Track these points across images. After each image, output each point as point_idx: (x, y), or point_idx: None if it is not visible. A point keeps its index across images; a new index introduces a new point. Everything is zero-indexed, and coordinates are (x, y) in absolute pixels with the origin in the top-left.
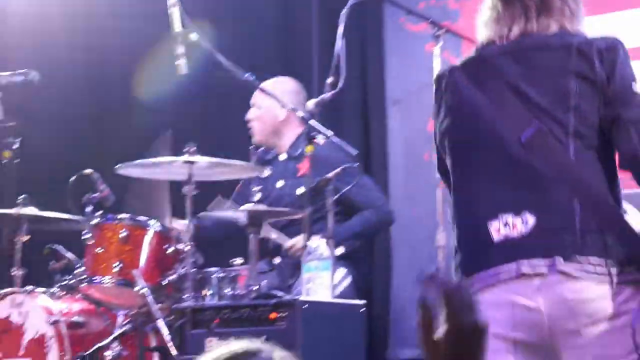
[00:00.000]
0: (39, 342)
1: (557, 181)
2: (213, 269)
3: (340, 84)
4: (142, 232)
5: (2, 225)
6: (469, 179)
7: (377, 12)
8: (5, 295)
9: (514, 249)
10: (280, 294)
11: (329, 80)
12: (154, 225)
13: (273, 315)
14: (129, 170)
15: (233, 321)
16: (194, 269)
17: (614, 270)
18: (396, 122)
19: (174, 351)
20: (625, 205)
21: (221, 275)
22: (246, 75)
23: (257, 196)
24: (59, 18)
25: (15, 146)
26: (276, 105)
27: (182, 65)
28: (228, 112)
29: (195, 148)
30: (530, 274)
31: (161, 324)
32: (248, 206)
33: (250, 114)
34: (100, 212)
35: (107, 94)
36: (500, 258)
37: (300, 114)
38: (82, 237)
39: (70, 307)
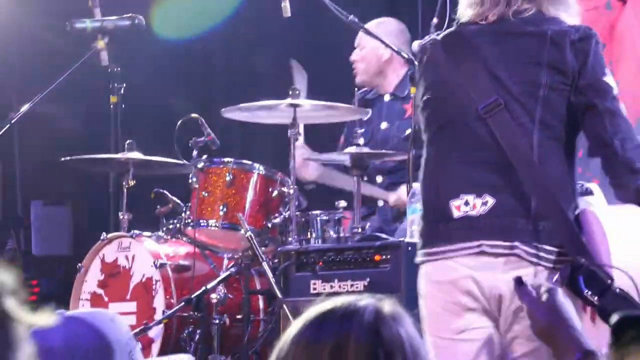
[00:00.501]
0: (146, 286)
1: (518, 167)
2: (317, 211)
3: (445, 25)
4: (247, 175)
5: (109, 170)
6: (436, 154)
7: None
8: (113, 239)
9: (474, 227)
10: (384, 236)
11: (434, 21)
12: (259, 169)
13: (377, 258)
14: (234, 114)
15: (337, 263)
16: (298, 212)
17: (558, 256)
18: None
19: (278, 294)
20: (593, 186)
21: (325, 218)
22: (350, 17)
23: (361, 139)
24: None
25: (120, 91)
26: (380, 46)
27: (287, 7)
28: (332, 54)
29: (299, 91)
30: (488, 253)
31: (266, 266)
32: (352, 149)
33: (354, 55)
34: (206, 156)
35: (211, 38)
36: (460, 234)
37: (405, 54)
38: (188, 181)
39: (176, 250)
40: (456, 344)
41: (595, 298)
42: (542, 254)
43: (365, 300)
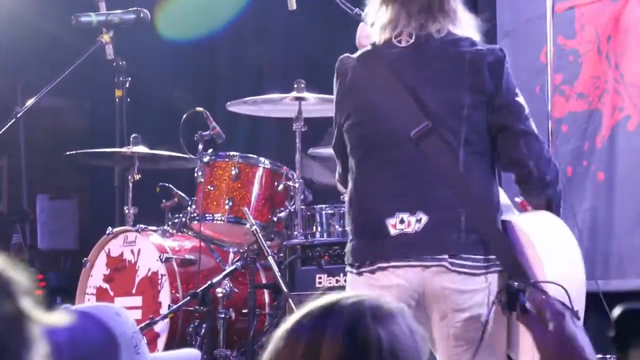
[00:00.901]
0: (152, 280)
1: (447, 184)
2: (322, 205)
3: None
4: (253, 169)
5: (114, 164)
6: (368, 175)
7: None
8: (118, 233)
9: (411, 244)
10: None
11: None
12: (265, 163)
13: None
14: (239, 107)
15: (342, 257)
16: (304, 206)
17: (486, 265)
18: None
19: (284, 288)
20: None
21: (330, 211)
22: (355, 10)
23: None
24: None
25: (126, 85)
26: None
27: (292, 0)
28: (337, 47)
29: (304, 84)
30: (419, 265)
31: (271, 260)
32: None
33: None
34: (211, 150)
35: (217, 32)
36: (396, 249)
37: None
38: (193, 175)
39: (181, 244)
40: None
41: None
42: (468, 262)
43: (354, 298)
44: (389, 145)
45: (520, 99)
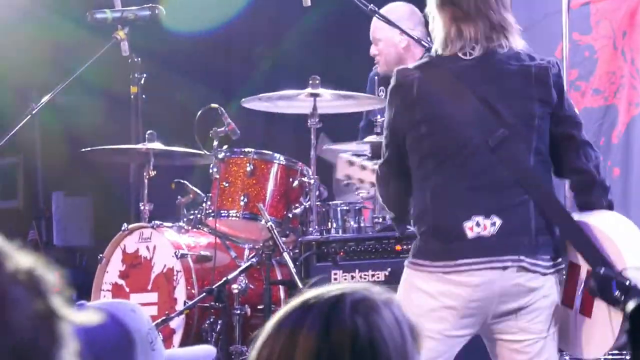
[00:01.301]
0: (167, 276)
1: (520, 189)
2: (337, 201)
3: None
4: (268, 165)
5: (129, 160)
6: (445, 181)
7: None
8: (134, 229)
9: (486, 245)
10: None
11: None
12: (280, 159)
13: (398, 248)
14: (254, 104)
15: (358, 253)
16: (319, 202)
17: (554, 263)
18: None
19: (299, 284)
20: None
21: (346, 208)
22: (370, 6)
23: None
24: None
25: (141, 82)
26: (394, 35)
27: None
28: (352, 43)
29: (319, 80)
30: (496, 266)
31: (287, 257)
32: (371, 138)
33: (373, 50)
34: (226, 146)
35: (231, 27)
36: (474, 251)
37: (423, 42)
38: (209, 172)
39: (197, 241)
40: (454, 340)
41: (622, 297)
42: (540, 262)
43: (339, 290)
44: (466, 153)
45: (577, 110)
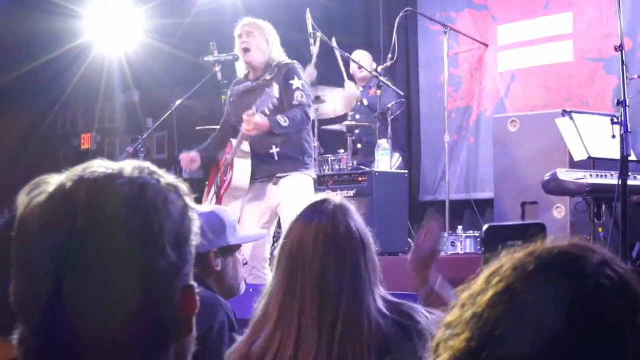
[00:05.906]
0: None
1: None
2: (329, 155)
3: (395, 56)
4: None
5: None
6: None
7: (413, 18)
8: None
9: None
10: (364, 167)
11: (390, 55)
12: None
13: (360, 178)
14: None
15: (339, 182)
16: (319, 155)
17: None
18: (423, 79)
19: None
20: None
21: (333, 158)
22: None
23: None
24: None
25: (227, 93)
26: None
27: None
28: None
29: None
30: None
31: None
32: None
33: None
34: None
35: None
36: None
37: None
38: None
39: None
40: None
41: None
42: None
43: (328, 199)
44: None
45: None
